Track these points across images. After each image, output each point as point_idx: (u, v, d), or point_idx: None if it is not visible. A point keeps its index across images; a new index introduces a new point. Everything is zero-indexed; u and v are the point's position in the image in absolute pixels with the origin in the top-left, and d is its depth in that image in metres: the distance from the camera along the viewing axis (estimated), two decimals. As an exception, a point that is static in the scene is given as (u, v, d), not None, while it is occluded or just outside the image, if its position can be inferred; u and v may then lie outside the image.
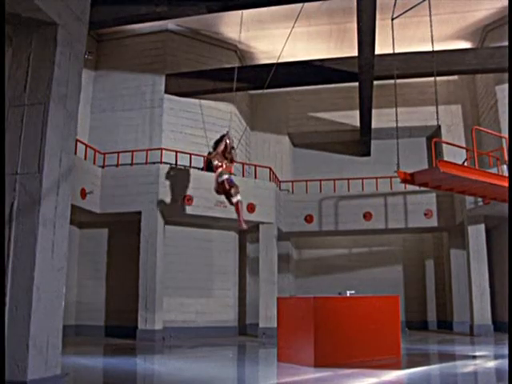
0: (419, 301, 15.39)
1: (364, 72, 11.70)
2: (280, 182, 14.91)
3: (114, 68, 13.85)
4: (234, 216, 12.25)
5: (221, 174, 10.07)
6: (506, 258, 12.31)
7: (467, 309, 13.12)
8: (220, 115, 13.89)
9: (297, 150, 17.14)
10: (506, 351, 8.30)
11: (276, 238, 13.24)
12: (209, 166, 12.48)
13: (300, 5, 10.10)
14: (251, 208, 12.55)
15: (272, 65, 11.50)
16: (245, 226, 10.27)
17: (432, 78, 10.58)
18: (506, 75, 12.58)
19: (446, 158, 11.12)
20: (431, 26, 9.42)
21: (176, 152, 12.32)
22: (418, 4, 9.90)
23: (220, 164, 10.30)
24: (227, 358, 9.25)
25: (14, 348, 4.24)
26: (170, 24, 13.51)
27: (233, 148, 12.01)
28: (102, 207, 11.61)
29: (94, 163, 11.88)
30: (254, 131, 16.50)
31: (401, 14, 10.19)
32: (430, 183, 9.26)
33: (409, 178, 8.92)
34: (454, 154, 12.17)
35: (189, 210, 11.74)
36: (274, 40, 13.62)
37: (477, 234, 12.69)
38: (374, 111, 13.90)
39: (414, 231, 14.86)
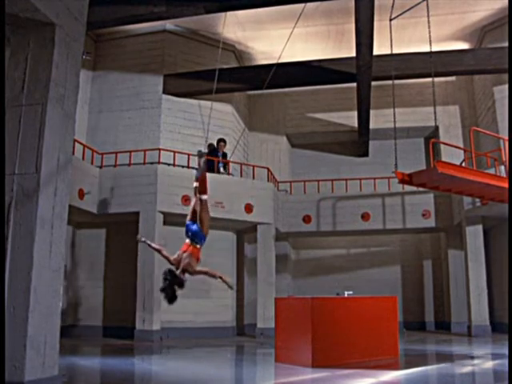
0: (417, 301, 15.40)
1: (362, 73, 11.71)
2: (278, 182, 14.91)
3: (112, 68, 13.84)
4: (232, 216, 12.29)
5: None
6: (503, 258, 12.33)
7: (465, 309, 13.13)
8: (218, 116, 13.88)
9: (295, 151, 17.15)
10: (504, 352, 8.31)
11: (274, 238, 13.24)
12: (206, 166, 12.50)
13: (298, 5, 10.11)
14: (249, 208, 12.54)
15: (270, 65, 11.50)
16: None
17: (430, 79, 10.60)
18: (504, 76, 12.60)
19: (443, 159, 11.12)
20: (429, 26, 9.43)
21: (174, 152, 12.31)
22: (416, 5, 9.93)
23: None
24: (225, 358, 9.25)
25: (12, 349, 4.24)
26: (168, 24, 13.51)
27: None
28: (99, 208, 11.60)
29: (92, 163, 11.87)
30: (252, 132, 16.50)
31: (399, 15, 10.22)
32: (427, 184, 9.28)
33: (407, 179, 8.94)
34: (452, 155, 12.19)
35: (187, 210, 11.69)
36: (271, 40, 13.63)
37: (475, 235, 12.70)
38: (372, 112, 13.91)
39: (411, 232, 14.87)
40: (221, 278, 6.88)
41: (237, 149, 13.48)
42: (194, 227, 6.85)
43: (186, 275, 6.55)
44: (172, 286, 6.30)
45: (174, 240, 12.33)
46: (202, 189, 7.13)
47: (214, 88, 9.49)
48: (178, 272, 6.45)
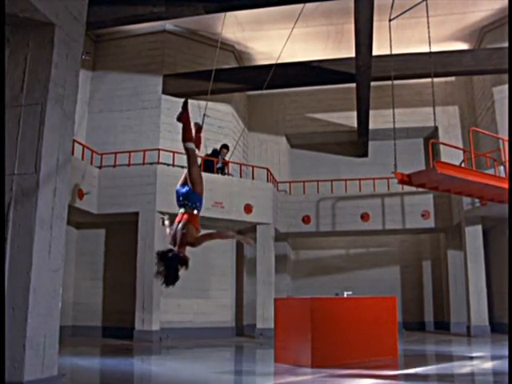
0: (416, 302, 15.40)
1: (361, 73, 11.72)
2: (277, 182, 14.91)
3: (111, 68, 13.84)
4: (231, 217, 12.28)
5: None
6: (503, 258, 12.32)
7: (464, 310, 13.13)
8: (217, 116, 13.89)
9: (294, 151, 17.15)
10: (503, 352, 8.31)
11: (273, 238, 13.24)
12: (206, 166, 12.51)
13: (298, 6, 10.11)
14: (248, 209, 12.54)
15: (269, 66, 11.49)
16: None
17: (429, 79, 10.61)
18: (504, 76, 12.61)
19: (443, 159, 11.13)
20: (428, 27, 9.44)
21: (173, 152, 12.31)
22: (416, 5, 9.93)
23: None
24: (224, 358, 9.25)
25: (11, 349, 4.24)
26: (168, 24, 13.52)
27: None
28: (99, 208, 11.59)
29: (92, 164, 11.87)
30: (252, 132, 16.51)
31: (398, 15, 10.22)
32: (427, 184, 9.28)
33: (406, 179, 8.94)
34: (452, 155, 12.19)
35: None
36: (271, 41, 13.63)
37: (474, 235, 12.71)
38: (371, 112, 13.91)
39: (411, 232, 14.88)
40: (235, 236, 5.82)
41: (236, 149, 13.48)
42: (185, 189, 5.62)
43: (189, 249, 5.46)
44: (173, 266, 5.16)
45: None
46: (185, 134, 5.86)
47: (209, 88, 9.46)
48: (175, 249, 5.32)
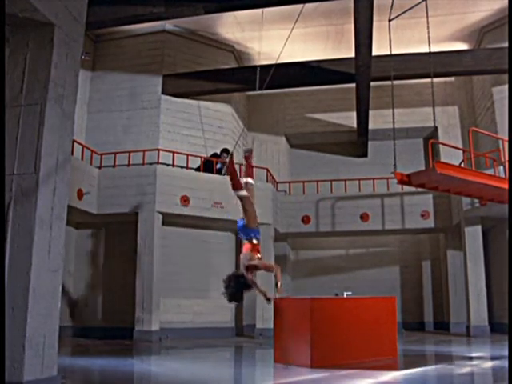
0: (416, 302, 15.40)
1: (361, 73, 11.72)
2: (277, 182, 14.91)
3: (111, 69, 13.84)
4: (231, 217, 12.27)
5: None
6: (503, 259, 12.32)
7: (464, 310, 13.13)
8: (217, 116, 13.89)
9: (294, 151, 17.14)
10: (503, 352, 8.31)
11: (273, 238, 13.24)
12: (205, 166, 12.51)
13: (298, 6, 10.10)
14: (248, 209, 12.52)
15: (269, 66, 11.49)
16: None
17: (429, 80, 10.61)
18: (503, 76, 12.61)
19: (442, 159, 11.12)
20: (428, 27, 9.44)
21: (173, 153, 12.32)
22: (416, 5, 9.93)
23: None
24: (224, 358, 9.25)
25: (11, 349, 4.24)
26: (168, 25, 13.52)
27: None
28: (98, 208, 11.59)
29: (91, 164, 11.87)
30: (251, 132, 16.49)
31: (398, 16, 10.22)
32: (426, 184, 9.27)
33: (406, 179, 8.93)
34: (451, 155, 12.18)
35: (186, 210, 11.75)
36: (270, 41, 13.61)
37: (473, 235, 12.71)
38: (370, 112, 13.91)
39: (410, 232, 14.87)
40: (276, 276, 6.92)
41: (236, 149, 13.47)
42: (240, 223, 6.90)
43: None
44: (240, 290, 6.43)
45: (172, 240, 12.37)
46: (234, 184, 7.00)
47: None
48: (243, 273, 6.54)
